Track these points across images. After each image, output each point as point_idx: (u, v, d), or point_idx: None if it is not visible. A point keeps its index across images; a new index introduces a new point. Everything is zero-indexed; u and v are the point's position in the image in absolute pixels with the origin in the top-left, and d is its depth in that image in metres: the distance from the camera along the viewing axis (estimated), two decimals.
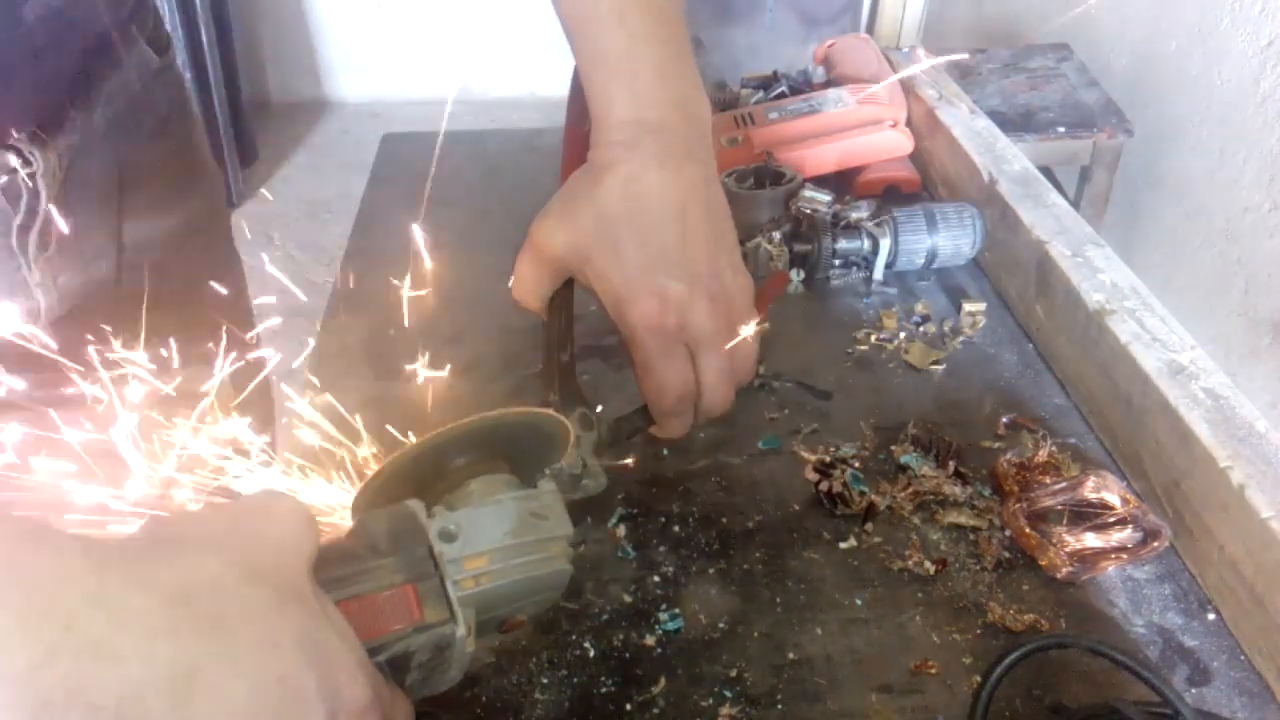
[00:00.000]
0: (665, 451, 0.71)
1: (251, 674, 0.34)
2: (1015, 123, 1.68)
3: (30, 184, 0.70)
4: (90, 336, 0.87)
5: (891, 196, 1.03)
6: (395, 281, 0.71)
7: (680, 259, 0.59)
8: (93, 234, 0.80)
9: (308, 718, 0.36)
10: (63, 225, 0.74)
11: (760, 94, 1.14)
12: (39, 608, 0.30)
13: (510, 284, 0.64)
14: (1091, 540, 0.61)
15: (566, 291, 0.64)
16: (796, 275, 0.90)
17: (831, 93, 1.06)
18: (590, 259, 0.59)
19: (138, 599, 0.33)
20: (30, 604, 0.30)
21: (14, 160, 0.68)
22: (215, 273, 0.96)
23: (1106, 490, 0.63)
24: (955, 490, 0.66)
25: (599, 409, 0.63)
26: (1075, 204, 1.66)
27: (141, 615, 0.33)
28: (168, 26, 0.90)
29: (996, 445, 0.71)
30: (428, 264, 0.68)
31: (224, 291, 1.01)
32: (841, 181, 1.03)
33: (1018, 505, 0.63)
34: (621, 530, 0.64)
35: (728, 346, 0.61)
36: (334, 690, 0.37)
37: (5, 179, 0.68)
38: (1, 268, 0.73)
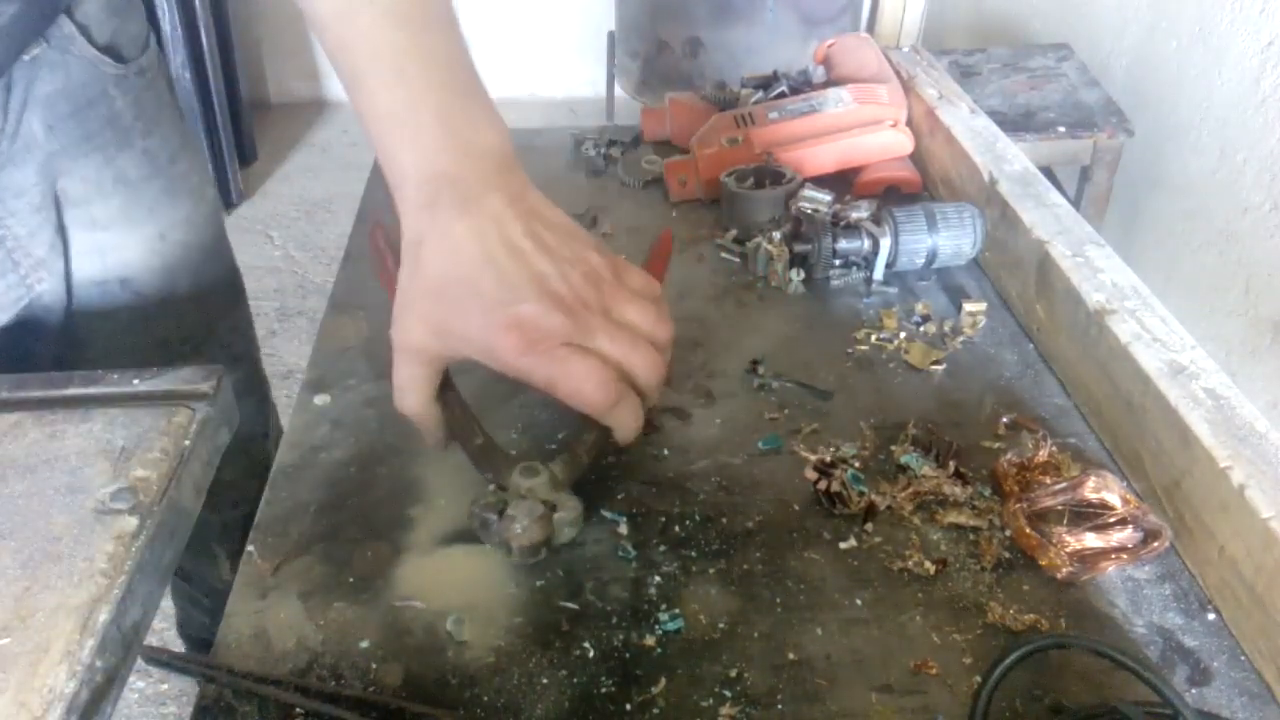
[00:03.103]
0: (665, 451, 0.71)
1: None
2: (1015, 123, 1.69)
3: None
4: (41, 349, 0.84)
5: (891, 196, 1.04)
6: None
7: (514, 282, 0.58)
8: (30, 245, 0.77)
9: None
10: None
11: (760, 94, 1.14)
12: None
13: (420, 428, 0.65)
14: (1092, 540, 0.61)
15: (451, 386, 0.65)
16: (796, 275, 0.90)
17: (831, 93, 1.06)
18: (450, 332, 0.59)
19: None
20: None
21: None
22: (208, 280, 0.95)
23: (1107, 490, 0.63)
24: (955, 490, 0.66)
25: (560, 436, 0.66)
26: (1075, 204, 1.67)
27: None
28: (166, 27, 0.87)
29: (997, 445, 0.71)
30: None
31: (219, 298, 0.99)
32: (841, 181, 1.04)
33: (1018, 505, 0.63)
34: (622, 530, 0.64)
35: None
36: None
37: None
38: None
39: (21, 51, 0.72)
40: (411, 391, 0.63)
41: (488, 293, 0.58)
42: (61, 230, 0.80)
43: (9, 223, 0.76)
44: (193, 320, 0.93)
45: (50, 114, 0.75)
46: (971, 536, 0.64)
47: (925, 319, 0.85)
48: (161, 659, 0.55)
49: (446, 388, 0.66)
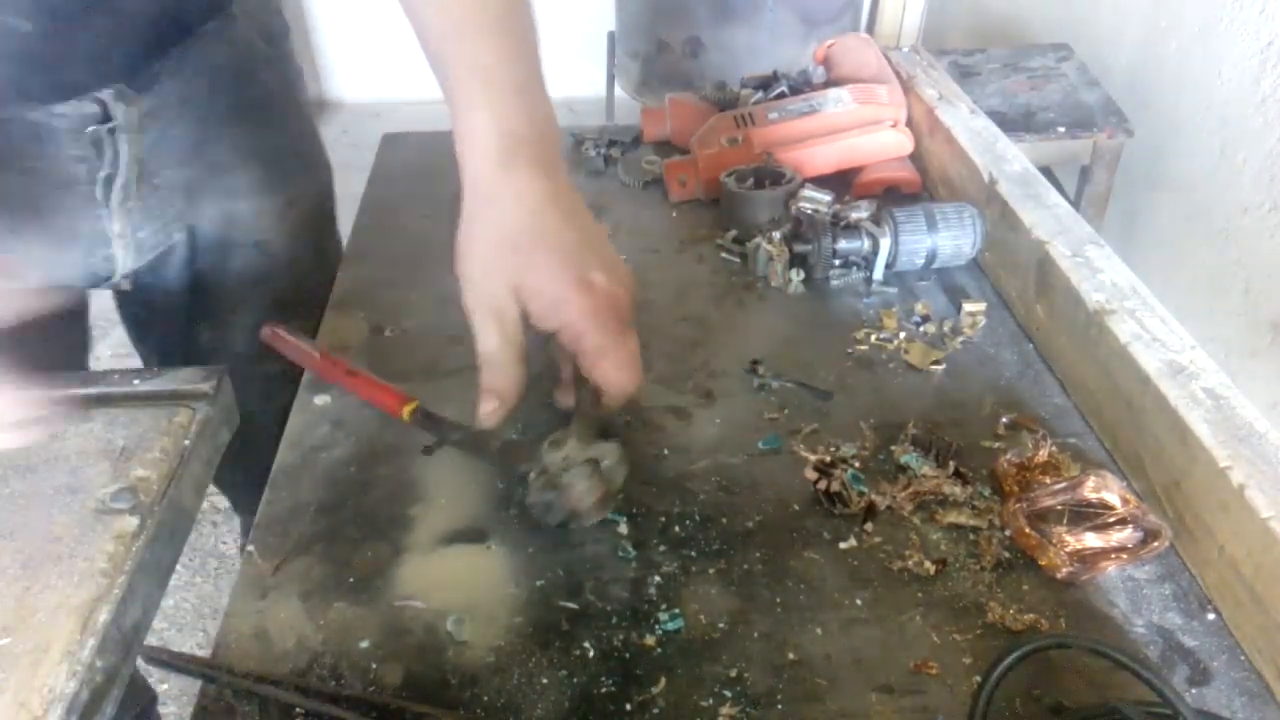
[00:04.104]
0: (665, 451, 0.71)
1: None
2: (1015, 123, 1.68)
3: (111, 138, 0.75)
4: (169, 300, 0.93)
5: (891, 196, 1.04)
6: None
7: (591, 248, 0.63)
8: (173, 198, 0.85)
9: None
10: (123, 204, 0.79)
11: (760, 94, 1.14)
12: None
13: (490, 394, 0.64)
14: (1091, 540, 0.61)
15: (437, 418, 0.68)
16: (796, 275, 0.90)
17: (831, 93, 1.06)
18: (524, 285, 0.62)
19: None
20: None
21: (95, 110, 0.73)
22: (317, 255, 1.04)
23: (1106, 490, 0.63)
24: (955, 490, 0.66)
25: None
26: (1075, 204, 1.66)
27: None
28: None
29: (996, 445, 0.71)
30: None
31: (330, 264, 1.05)
32: (841, 181, 1.04)
33: (1018, 505, 0.63)
34: (622, 530, 0.64)
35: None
36: None
37: (93, 128, 0.74)
38: (84, 213, 0.79)
39: (205, 22, 0.82)
40: (513, 364, 0.63)
41: (568, 249, 0.62)
42: (201, 191, 0.87)
43: (165, 174, 0.83)
44: (310, 283, 0.99)
45: (215, 81, 0.84)
46: (971, 536, 0.64)
47: (925, 319, 0.85)
48: (161, 659, 0.56)
49: (434, 419, 0.68)
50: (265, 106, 0.91)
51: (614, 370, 0.62)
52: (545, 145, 0.64)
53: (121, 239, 0.81)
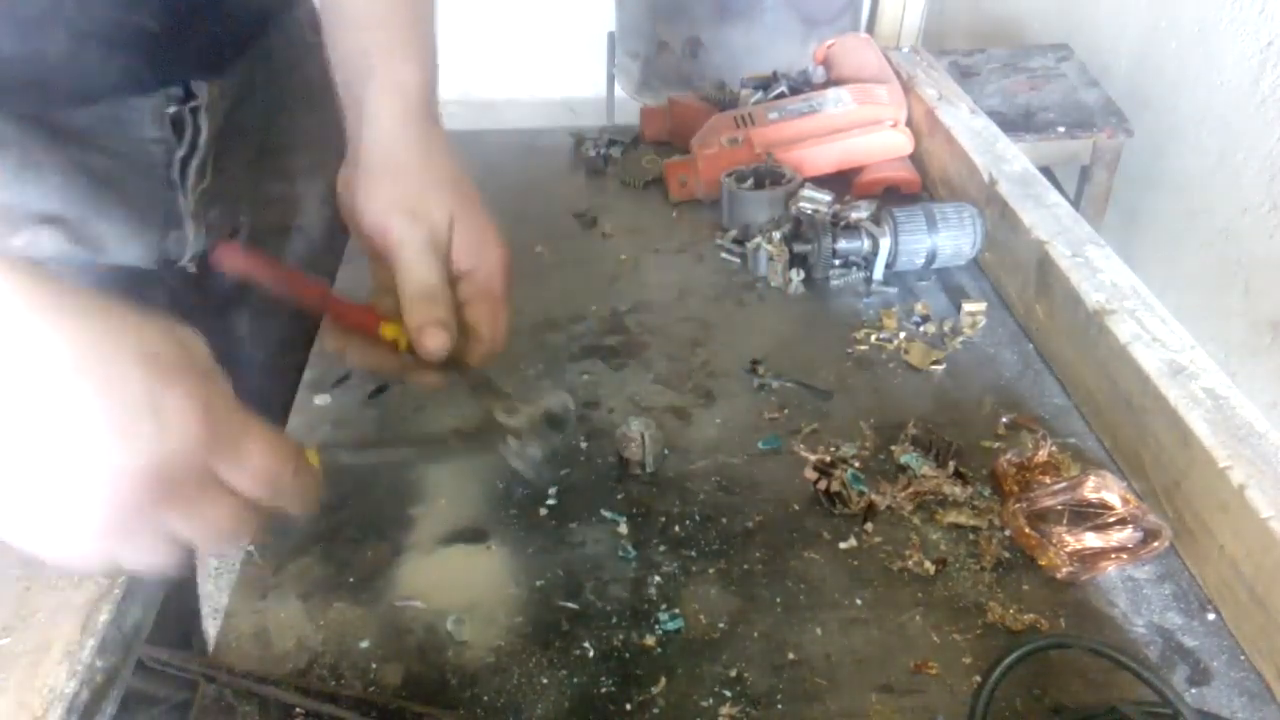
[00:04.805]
0: (666, 451, 0.71)
1: None
2: (1015, 123, 1.68)
3: (193, 117, 0.78)
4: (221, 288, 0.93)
5: (891, 196, 1.04)
6: None
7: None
8: (240, 178, 0.88)
9: None
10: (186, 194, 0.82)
11: (760, 94, 1.15)
12: None
13: (438, 326, 0.61)
14: (1091, 540, 0.61)
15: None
16: (796, 275, 0.90)
17: (831, 93, 1.06)
18: (460, 216, 0.64)
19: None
20: None
21: (179, 92, 0.76)
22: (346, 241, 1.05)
23: (1106, 490, 0.63)
24: (955, 490, 0.66)
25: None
26: (1075, 204, 1.66)
27: None
28: None
29: (996, 445, 0.71)
30: None
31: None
32: (841, 181, 1.04)
33: (1018, 505, 0.63)
34: (622, 530, 0.64)
35: None
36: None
37: (174, 109, 0.76)
38: (162, 194, 0.81)
39: (281, 13, 0.87)
40: (447, 280, 0.63)
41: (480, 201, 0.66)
42: (260, 173, 0.90)
43: (232, 154, 0.85)
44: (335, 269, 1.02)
45: (274, 67, 0.87)
46: (971, 536, 0.64)
47: (925, 319, 0.85)
48: (161, 659, 0.56)
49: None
50: (314, 95, 0.95)
51: (503, 324, 0.64)
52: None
53: (194, 219, 0.83)
